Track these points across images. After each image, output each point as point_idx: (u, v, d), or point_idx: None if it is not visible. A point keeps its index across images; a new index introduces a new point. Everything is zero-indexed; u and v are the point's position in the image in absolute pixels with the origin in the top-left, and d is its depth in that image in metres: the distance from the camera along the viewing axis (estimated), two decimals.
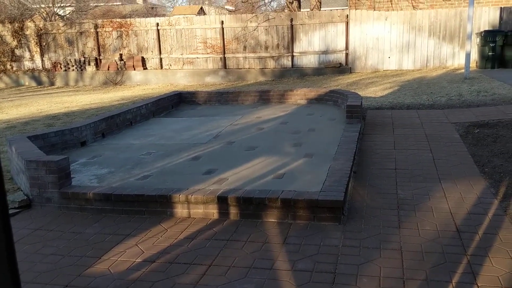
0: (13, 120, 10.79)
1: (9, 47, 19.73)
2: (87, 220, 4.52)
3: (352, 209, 4.41)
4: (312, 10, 18.44)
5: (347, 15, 16.44)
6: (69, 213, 4.70)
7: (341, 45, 16.67)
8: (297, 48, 17.14)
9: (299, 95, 9.43)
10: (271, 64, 17.42)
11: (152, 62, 18.48)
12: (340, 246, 3.70)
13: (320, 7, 19.22)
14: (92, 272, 3.53)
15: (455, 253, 3.50)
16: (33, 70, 19.64)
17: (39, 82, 19.40)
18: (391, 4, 17.13)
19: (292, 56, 17.19)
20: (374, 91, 11.87)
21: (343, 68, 16.72)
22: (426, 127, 7.39)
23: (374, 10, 16.82)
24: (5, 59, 19.78)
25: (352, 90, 10.48)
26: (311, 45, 17.02)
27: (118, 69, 18.59)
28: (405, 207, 4.43)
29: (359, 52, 16.55)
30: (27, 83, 19.61)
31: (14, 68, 19.89)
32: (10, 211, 4.70)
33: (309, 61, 17.14)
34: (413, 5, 16.97)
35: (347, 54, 16.68)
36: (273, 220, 4.27)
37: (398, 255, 3.51)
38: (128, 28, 18.45)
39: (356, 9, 16.86)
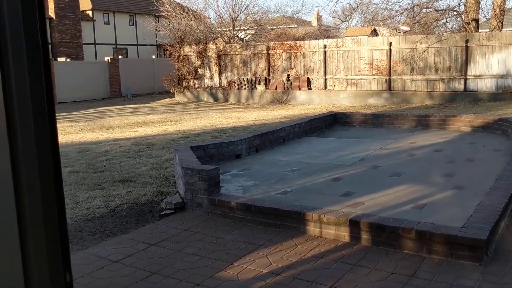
0: (188, 131, 12.14)
1: (193, 66, 22.24)
2: (229, 227, 4.89)
3: (500, 251, 3.97)
4: (492, 31, 16.89)
5: None
6: (214, 218, 5.15)
7: None
8: (471, 71, 15.86)
9: (463, 122, 8.74)
10: (440, 87, 16.43)
11: (317, 82, 18.96)
12: None
13: (502, 28, 17.50)
14: (222, 275, 3.83)
15: None
16: (211, 87, 21.79)
17: (215, 98, 21.42)
18: None
19: (465, 79, 15.95)
20: None
21: None
22: None
23: None
24: (190, 76, 22.34)
25: None
26: (488, 68, 15.59)
27: (284, 88, 19.52)
28: None
29: None
30: (205, 99, 21.81)
31: (196, 85, 22.32)
32: (167, 211, 5.35)
33: (484, 85, 15.70)
34: None
35: None
36: (406, 251, 4.08)
37: None
38: (297, 50, 19.27)
39: None
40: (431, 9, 18.38)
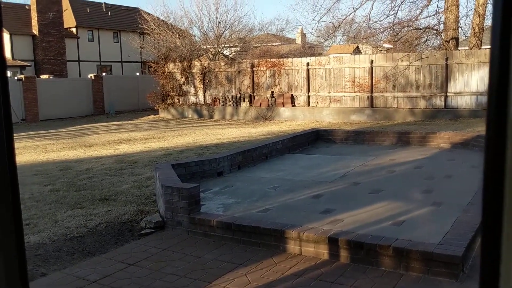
0: (171, 148, 12.11)
1: (178, 83, 22.27)
2: (209, 246, 4.88)
3: (476, 267, 4.01)
4: (471, 48, 17.27)
5: None
6: (194, 237, 5.13)
7: None
8: (451, 88, 16.16)
9: (443, 139, 8.88)
10: (421, 104, 16.68)
11: (300, 99, 19.11)
12: None
13: (481, 46, 17.91)
14: None
15: None
16: (196, 104, 21.81)
17: (200, 115, 21.43)
18: None
19: (446, 97, 16.23)
20: None
21: None
22: None
23: None
24: (174, 93, 22.35)
25: None
26: (467, 86, 15.90)
27: (269, 105, 19.63)
28: None
29: None
30: (190, 116, 21.81)
31: (181, 102, 22.33)
32: (146, 231, 5.31)
33: (464, 102, 15.99)
34: None
35: None
36: (384, 268, 4.10)
37: None
38: (281, 67, 19.45)
39: None
40: (411, 28, 18.75)
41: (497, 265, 0.62)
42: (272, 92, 19.72)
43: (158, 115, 22.80)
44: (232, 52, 30.85)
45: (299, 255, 4.49)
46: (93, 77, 24.81)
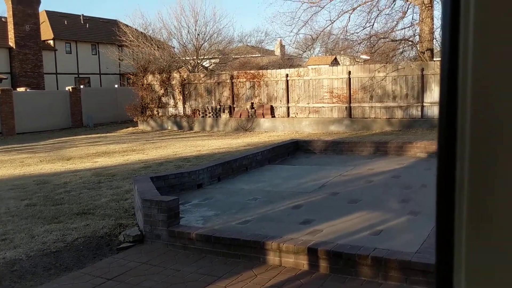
0: (150, 160, 12.02)
1: (157, 95, 22.18)
2: (188, 259, 4.85)
3: None
4: None
5: None
6: (174, 250, 5.09)
7: None
8: (427, 98, 16.48)
9: (419, 148, 9.04)
10: (398, 114, 16.96)
11: (280, 110, 19.23)
12: None
13: None
14: None
15: None
16: (175, 115, 21.73)
17: (180, 127, 21.35)
18: None
19: (422, 106, 16.54)
20: None
21: None
22: None
23: None
24: (153, 105, 22.24)
25: None
26: None
27: (249, 116, 19.69)
28: None
29: None
30: (169, 127, 21.71)
31: (160, 114, 22.23)
32: (125, 244, 5.26)
33: None
34: None
35: None
36: (362, 278, 4.14)
37: None
38: (260, 79, 19.57)
39: None
40: (387, 40, 19.10)
41: (450, 267, 0.66)
42: (252, 103, 19.80)
43: (137, 127, 22.63)
44: (211, 64, 30.90)
45: (279, 266, 4.50)
46: (71, 90, 24.53)
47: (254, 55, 41.01)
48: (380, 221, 5.20)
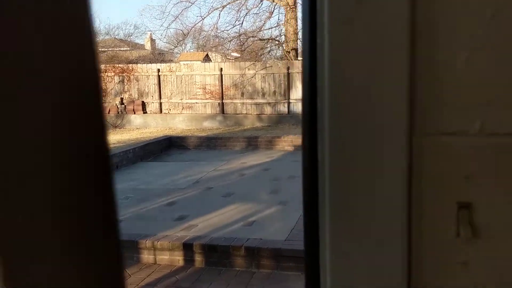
0: None
1: None
2: None
3: None
4: None
5: None
6: None
7: None
8: (293, 95, 17.44)
9: (287, 142, 9.56)
10: (268, 110, 17.70)
11: (152, 106, 18.83)
12: None
13: None
14: None
15: None
16: None
17: None
18: None
19: (289, 103, 17.47)
20: None
21: None
22: None
23: None
24: None
25: None
26: None
27: (118, 112, 18.93)
28: None
29: None
30: None
31: None
32: None
33: None
34: None
35: None
36: (237, 269, 4.28)
37: None
38: (130, 73, 18.93)
39: None
40: (256, 38, 19.80)
41: (316, 256, 0.73)
42: (122, 99, 19.07)
43: None
44: None
45: (154, 264, 4.44)
46: None
47: (122, 49, 39.48)
48: (252, 212, 5.41)
